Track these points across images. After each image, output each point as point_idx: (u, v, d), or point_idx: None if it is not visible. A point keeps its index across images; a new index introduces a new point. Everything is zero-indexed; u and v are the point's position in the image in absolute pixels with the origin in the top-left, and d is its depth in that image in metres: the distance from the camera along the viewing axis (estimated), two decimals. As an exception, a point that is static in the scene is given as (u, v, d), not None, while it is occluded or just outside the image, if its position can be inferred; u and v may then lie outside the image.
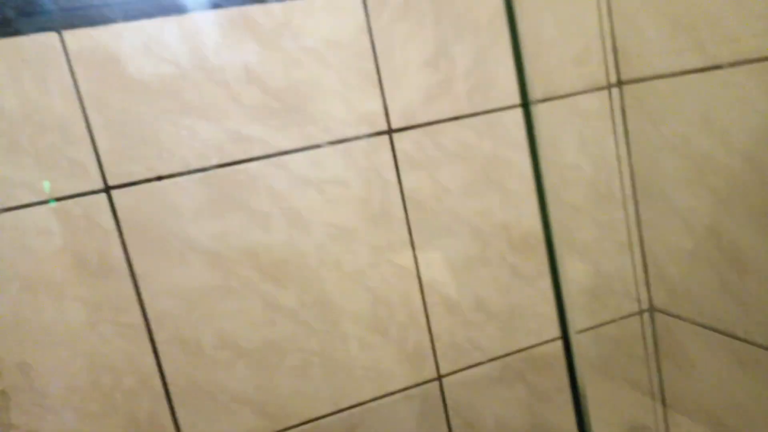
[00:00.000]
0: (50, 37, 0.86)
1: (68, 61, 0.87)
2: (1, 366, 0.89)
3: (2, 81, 0.85)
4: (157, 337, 0.96)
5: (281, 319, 1.02)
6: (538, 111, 1.08)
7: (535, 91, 1.09)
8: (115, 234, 0.92)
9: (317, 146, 1.00)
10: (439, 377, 1.11)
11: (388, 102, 1.03)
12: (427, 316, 1.09)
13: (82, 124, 0.89)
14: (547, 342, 1.17)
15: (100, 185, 0.91)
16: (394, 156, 1.04)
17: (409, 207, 1.06)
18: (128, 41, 0.90)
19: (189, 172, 0.95)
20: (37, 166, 0.88)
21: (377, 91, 1.02)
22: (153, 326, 0.95)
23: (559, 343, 1.18)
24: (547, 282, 1.15)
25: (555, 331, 1.18)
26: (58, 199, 0.89)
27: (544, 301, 1.16)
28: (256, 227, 0.99)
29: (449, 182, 1.07)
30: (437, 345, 1.10)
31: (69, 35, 0.87)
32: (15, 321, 0.89)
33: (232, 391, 1.01)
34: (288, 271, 1.01)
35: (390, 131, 1.03)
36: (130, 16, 0.89)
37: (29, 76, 0.86)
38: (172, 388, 0.98)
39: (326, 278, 1.03)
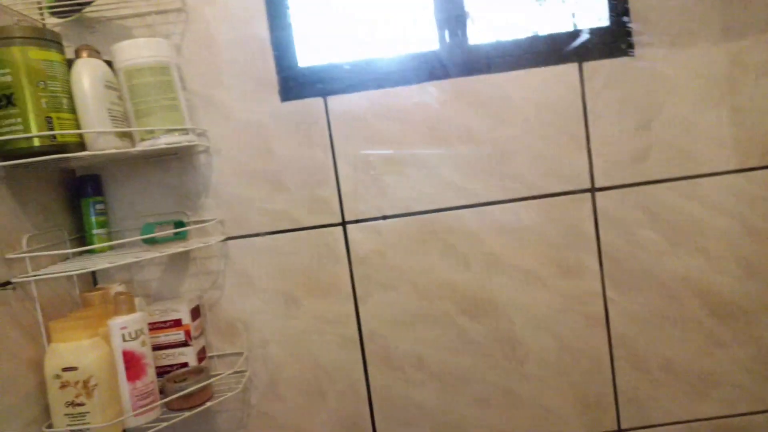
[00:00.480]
0: (317, 102, 1.09)
1: (328, 120, 1.08)
2: (252, 355, 1.12)
3: (280, 133, 1.09)
4: (367, 351, 1.13)
5: (470, 350, 1.13)
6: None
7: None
8: (345, 261, 1.11)
9: (519, 199, 1.10)
10: (620, 431, 1.13)
11: (594, 162, 1.09)
12: (612, 369, 1.12)
13: (332, 170, 1.09)
14: (742, 415, 1.12)
15: (338, 219, 1.10)
16: (595, 213, 1.09)
17: (604, 261, 1.10)
18: (372, 105, 1.08)
19: (406, 214, 1.10)
20: (294, 200, 1.10)
21: (584, 152, 1.08)
22: (365, 341, 1.12)
23: (755, 418, 1.12)
24: (746, 351, 1.11)
25: (751, 404, 1.12)
26: (307, 228, 1.10)
27: (741, 370, 1.11)
28: (456, 265, 1.11)
29: (648, 241, 1.09)
30: (620, 398, 1.12)
31: (331, 100, 1.08)
32: (281, 320, 1.12)
33: (420, 407, 1.14)
34: (481, 307, 1.12)
35: (593, 189, 1.09)
36: (380, 84, 1.08)
37: (299, 130, 1.09)
38: (373, 396, 1.13)
39: (515, 318, 1.12)
